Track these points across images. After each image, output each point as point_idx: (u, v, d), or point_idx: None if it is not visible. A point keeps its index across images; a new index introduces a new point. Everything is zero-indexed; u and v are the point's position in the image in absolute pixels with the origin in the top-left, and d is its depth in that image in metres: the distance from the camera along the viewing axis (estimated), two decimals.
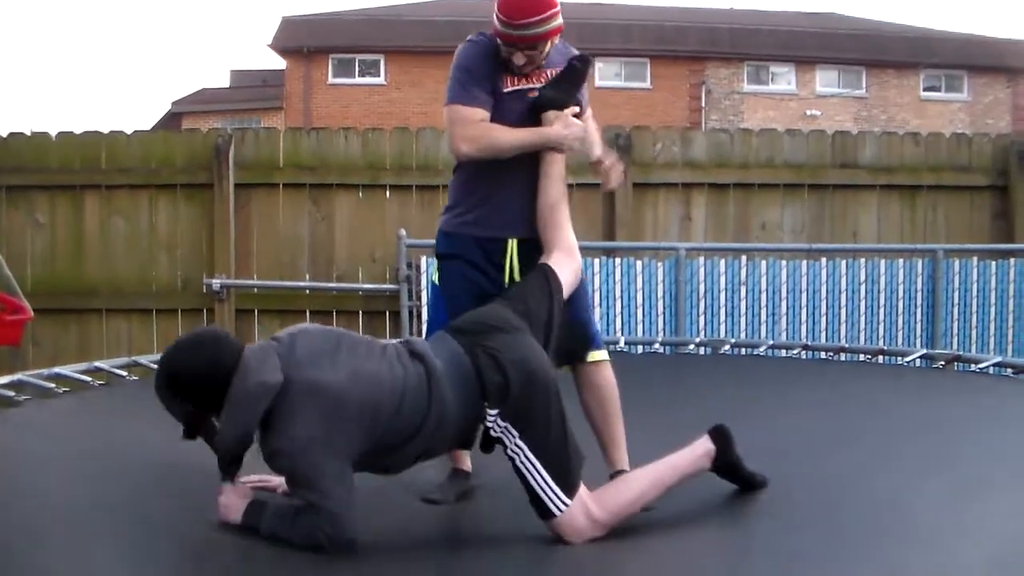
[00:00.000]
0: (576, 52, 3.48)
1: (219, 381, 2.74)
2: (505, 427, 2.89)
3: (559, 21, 3.29)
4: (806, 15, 30.27)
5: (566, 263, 3.32)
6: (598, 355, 3.45)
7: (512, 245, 3.39)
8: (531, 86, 3.39)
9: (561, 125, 3.33)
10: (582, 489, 2.91)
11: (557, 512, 2.87)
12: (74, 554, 2.69)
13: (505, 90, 3.36)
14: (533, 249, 3.37)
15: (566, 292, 3.27)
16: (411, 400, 2.84)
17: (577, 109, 3.38)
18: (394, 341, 3.09)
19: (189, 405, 2.80)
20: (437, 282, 3.70)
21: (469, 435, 3.03)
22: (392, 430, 2.82)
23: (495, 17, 3.26)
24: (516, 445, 2.89)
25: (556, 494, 2.87)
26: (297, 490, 2.79)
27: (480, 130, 3.31)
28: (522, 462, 2.89)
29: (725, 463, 3.18)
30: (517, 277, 3.36)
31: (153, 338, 8.01)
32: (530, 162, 3.36)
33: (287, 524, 2.78)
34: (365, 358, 2.87)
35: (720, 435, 3.18)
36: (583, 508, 2.89)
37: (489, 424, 2.91)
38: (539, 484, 2.87)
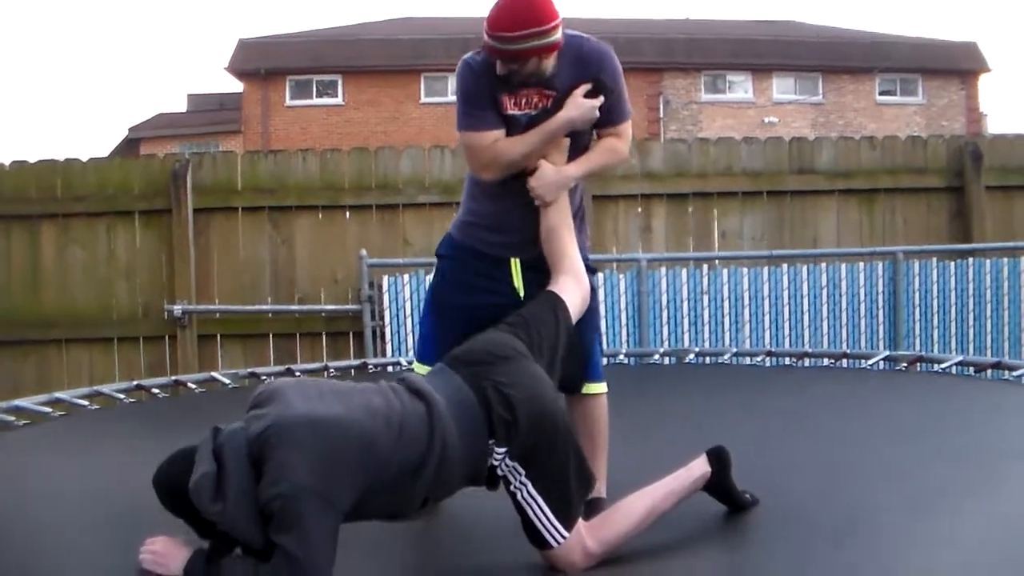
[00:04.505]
0: (601, 77, 3.27)
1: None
2: (512, 466, 2.77)
3: (545, 41, 3.11)
4: (761, 23, 30.52)
5: (573, 289, 3.20)
6: (596, 387, 3.34)
7: (516, 264, 3.31)
8: (527, 112, 3.25)
9: (569, 108, 3.21)
10: (579, 521, 2.82)
11: (554, 544, 2.78)
12: None
13: (504, 112, 3.25)
14: (539, 268, 3.27)
15: (573, 319, 3.15)
16: (410, 434, 2.62)
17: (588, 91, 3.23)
18: (389, 382, 2.84)
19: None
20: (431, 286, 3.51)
21: (477, 474, 2.79)
22: (390, 467, 2.59)
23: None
24: (520, 482, 2.77)
25: (555, 527, 2.77)
26: (278, 535, 2.45)
27: (493, 152, 3.22)
28: (523, 498, 2.77)
29: (719, 486, 3.12)
30: (522, 290, 3.27)
31: (115, 367, 7.92)
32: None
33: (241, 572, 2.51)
34: (358, 394, 2.68)
35: (718, 458, 3.11)
36: (579, 540, 2.80)
37: (496, 463, 2.76)
38: (538, 518, 2.77)
